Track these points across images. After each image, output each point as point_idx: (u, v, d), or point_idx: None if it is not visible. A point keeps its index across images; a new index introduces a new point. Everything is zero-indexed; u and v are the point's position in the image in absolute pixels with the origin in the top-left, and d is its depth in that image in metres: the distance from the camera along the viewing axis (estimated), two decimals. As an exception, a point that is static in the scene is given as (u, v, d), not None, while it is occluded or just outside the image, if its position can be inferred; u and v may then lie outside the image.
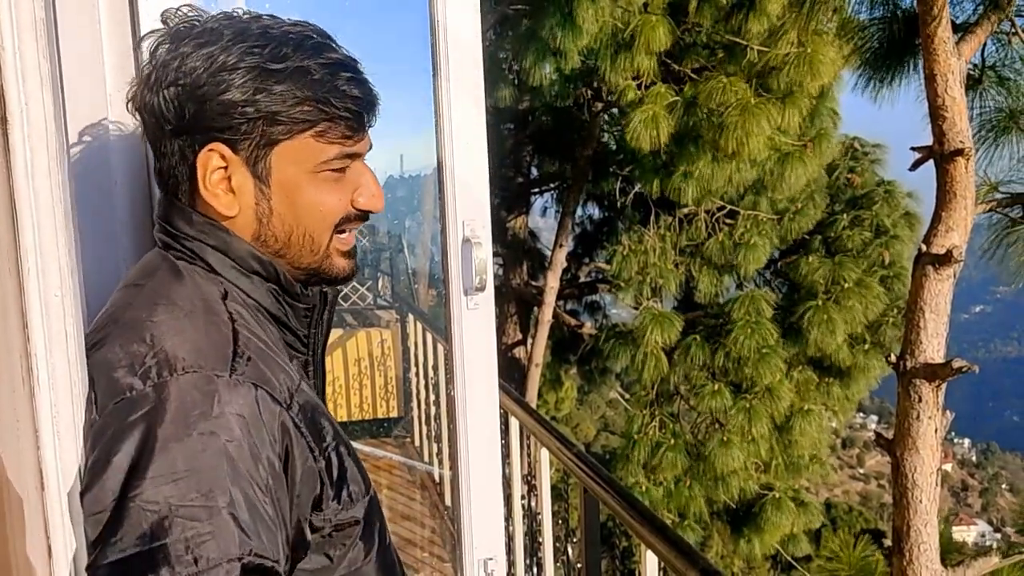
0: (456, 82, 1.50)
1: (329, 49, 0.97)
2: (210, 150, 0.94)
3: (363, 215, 1.03)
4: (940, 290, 2.51)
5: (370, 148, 1.03)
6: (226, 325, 0.92)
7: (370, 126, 1.02)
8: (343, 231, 1.02)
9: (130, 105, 1.00)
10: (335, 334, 6.55)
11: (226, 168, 0.95)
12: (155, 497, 0.78)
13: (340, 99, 0.95)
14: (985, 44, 2.74)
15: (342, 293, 7.12)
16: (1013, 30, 2.67)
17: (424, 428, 5.52)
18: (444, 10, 1.50)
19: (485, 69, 1.54)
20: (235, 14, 0.98)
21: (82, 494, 0.81)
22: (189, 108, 0.93)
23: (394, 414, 6.45)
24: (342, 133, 0.97)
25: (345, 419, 6.37)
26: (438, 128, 1.53)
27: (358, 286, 7.48)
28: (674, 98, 7.09)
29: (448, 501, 4.75)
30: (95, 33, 1.18)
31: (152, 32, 0.99)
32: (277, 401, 0.90)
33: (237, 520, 0.79)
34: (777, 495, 8.18)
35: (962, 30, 2.56)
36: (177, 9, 0.99)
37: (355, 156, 1.00)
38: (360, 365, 6.47)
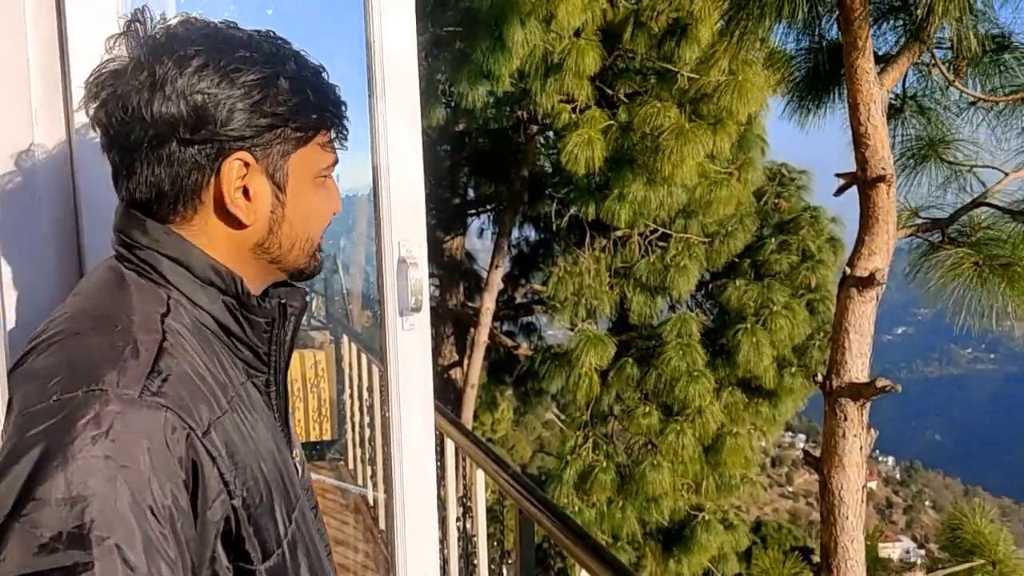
0: (392, 103, 1.50)
1: (306, 58, 1.01)
2: (236, 159, 0.94)
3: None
4: (864, 311, 2.58)
5: None
6: (153, 343, 0.88)
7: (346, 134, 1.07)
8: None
9: (101, 111, 0.94)
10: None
11: (245, 176, 0.96)
12: (40, 520, 0.74)
13: (335, 106, 1.01)
14: (906, 75, 2.86)
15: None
16: (933, 62, 2.79)
17: (358, 451, 5.45)
18: (380, 31, 1.50)
19: (420, 90, 1.54)
20: (205, 19, 0.98)
21: None
22: (219, 116, 0.92)
23: (327, 437, 6.35)
24: (338, 140, 1.04)
25: (276, 443, 6.24)
26: (374, 148, 1.53)
27: (291, 307, 7.35)
28: (608, 122, 7.20)
29: (382, 524, 4.69)
30: (20, 51, 1.15)
31: (126, 34, 0.95)
32: (189, 426, 0.85)
33: (123, 555, 0.75)
34: (707, 517, 8.29)
35: (884, 61, 2.67)
36: (138, 17, 0.95)
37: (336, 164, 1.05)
38: (293, 387, 6.35)
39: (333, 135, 1.03)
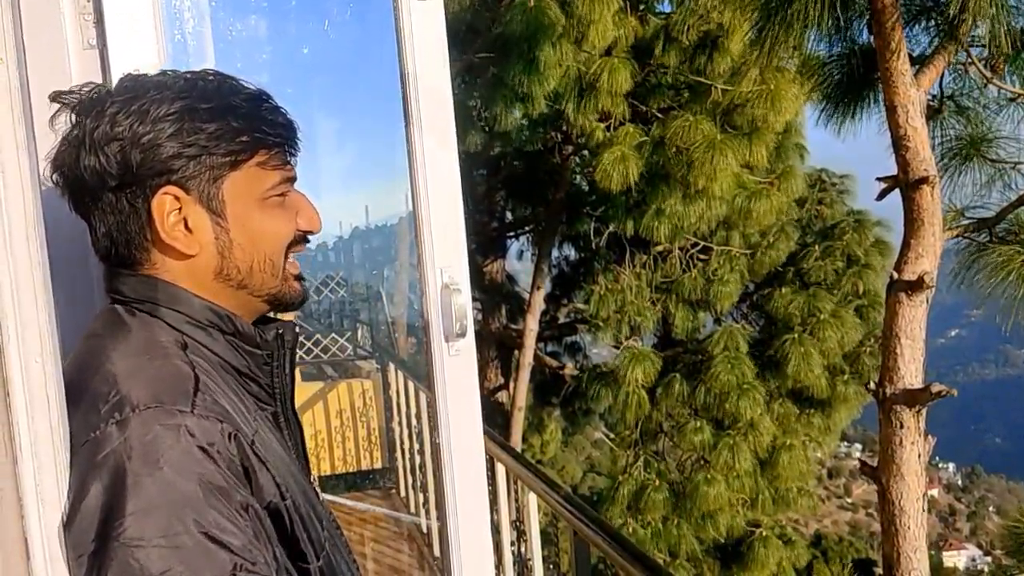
0: (428, 131, 1.52)
1: (243, 87, 1.01)
2: (164, 194, 0.95)
3: (305, 237, 1.07)
4: (914, 316, 2.54)
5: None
6: (186, 365, 0.93)
7: (297, 151, 1.05)
8: (289, 256, 1.05)
9: (55, 176, 0.99)
10: (316, 387, 6.49)
11: (180, 209, 0.96)
12: (138, 533, 0.79)
13: (271, 127, 1.00)
14: (943, 75, 2.82)
15: (321, 345, 7.08)
16: (969, 60, 2.75)
17: (409, 478, 5.46)
18: (414, 61, 1.52)
19: (455, 117, 1.56)
20: (141, 73, 1.01)
21: (65, 537, 0.82)
22: (134, 158, 0.93)
23: (378, 465, 6.38)
24: (281, 159, 1.01)
25: (328, 472, 6.29)
26: (412, 177, 1.55)
27: (337, 337, 7.42)
28: (642, 138, 7.19)
29: (437, 551, 4.69)
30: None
31: (61, 110, 0.99)
32: (242, 433, 0.91)
33: (222, 542, 0.81)
34: (764, 532, 8.16)
35: (919, 62, 2.64)
36: (78, 87, 1.00)
37: (293, 180, 1.04)
38: (342, 417, 6.40)
39: (278, 153, 1.01)
